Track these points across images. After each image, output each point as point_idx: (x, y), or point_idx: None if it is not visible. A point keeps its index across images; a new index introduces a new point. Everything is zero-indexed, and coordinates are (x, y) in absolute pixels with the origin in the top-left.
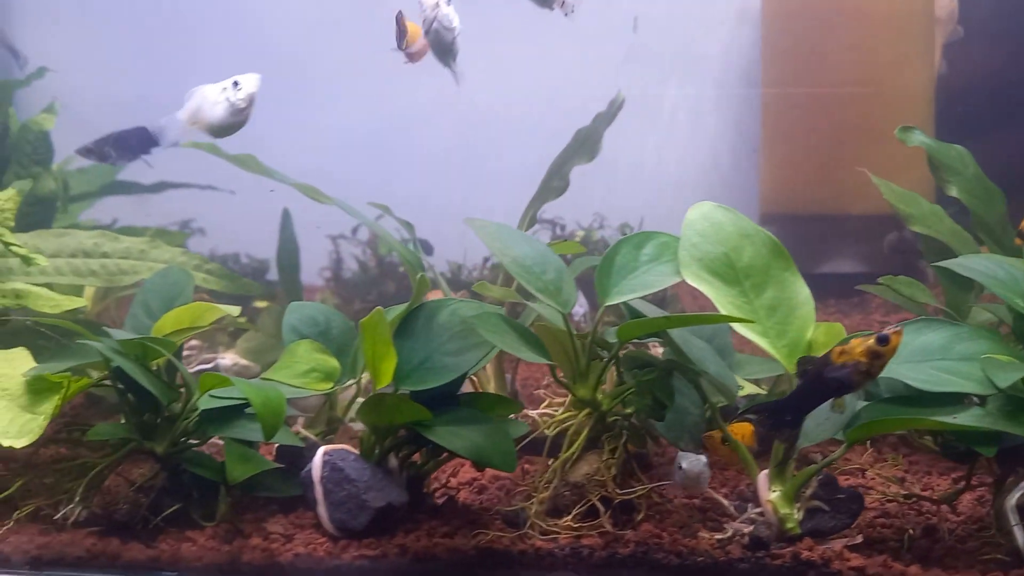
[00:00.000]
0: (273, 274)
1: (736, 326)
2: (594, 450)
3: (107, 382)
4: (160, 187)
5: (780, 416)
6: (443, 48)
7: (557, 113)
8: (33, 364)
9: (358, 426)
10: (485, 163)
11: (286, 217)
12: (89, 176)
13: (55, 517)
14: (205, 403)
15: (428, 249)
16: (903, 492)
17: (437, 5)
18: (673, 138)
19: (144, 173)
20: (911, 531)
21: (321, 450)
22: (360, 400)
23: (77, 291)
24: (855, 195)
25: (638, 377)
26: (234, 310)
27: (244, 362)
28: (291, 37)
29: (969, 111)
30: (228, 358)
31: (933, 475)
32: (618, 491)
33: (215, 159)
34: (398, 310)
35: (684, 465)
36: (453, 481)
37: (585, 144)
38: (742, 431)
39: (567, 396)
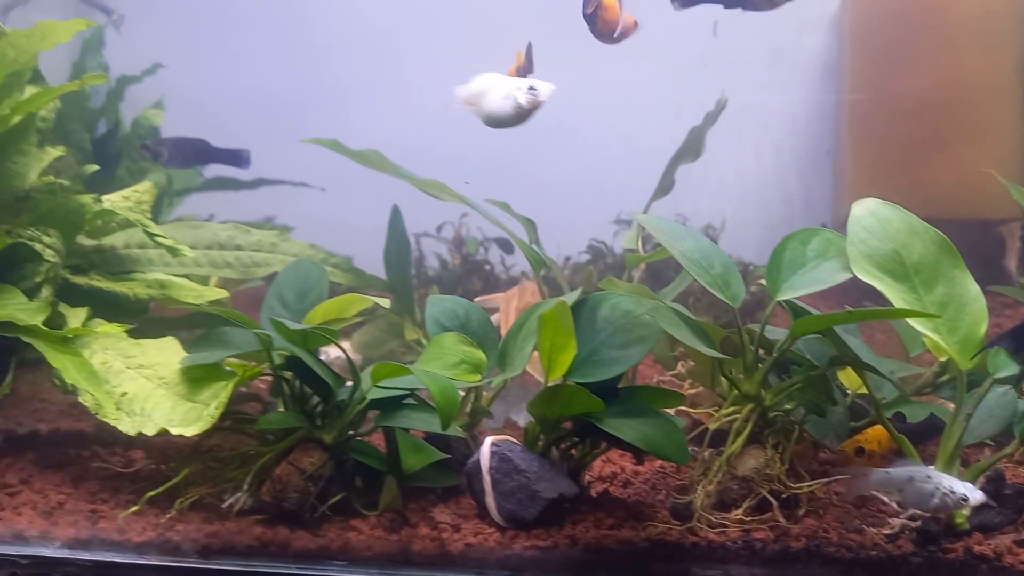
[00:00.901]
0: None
1: (910, 321)
2: (755, 445)
3: (268, 371)
4: (258, 183)
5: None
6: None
7: (635, 117)
8: (183, 353)
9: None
10: (560, 167)
11: (396, 214)
12: (187, 172)
13: (223, 506)
14: (376, 393)
15: (508, 248)
16: None
17: None
18: (748, 141)
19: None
20: None
21: (488, 440)
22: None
23: (203, 283)
24: (947, 199)
25: (802, 373)
26: (384, 302)
27: (352, 355)
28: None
29: None
30: (334, 351)
31: None
32: (791, 485)
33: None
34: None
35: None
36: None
37: (691, 144)
38: (878, 435)
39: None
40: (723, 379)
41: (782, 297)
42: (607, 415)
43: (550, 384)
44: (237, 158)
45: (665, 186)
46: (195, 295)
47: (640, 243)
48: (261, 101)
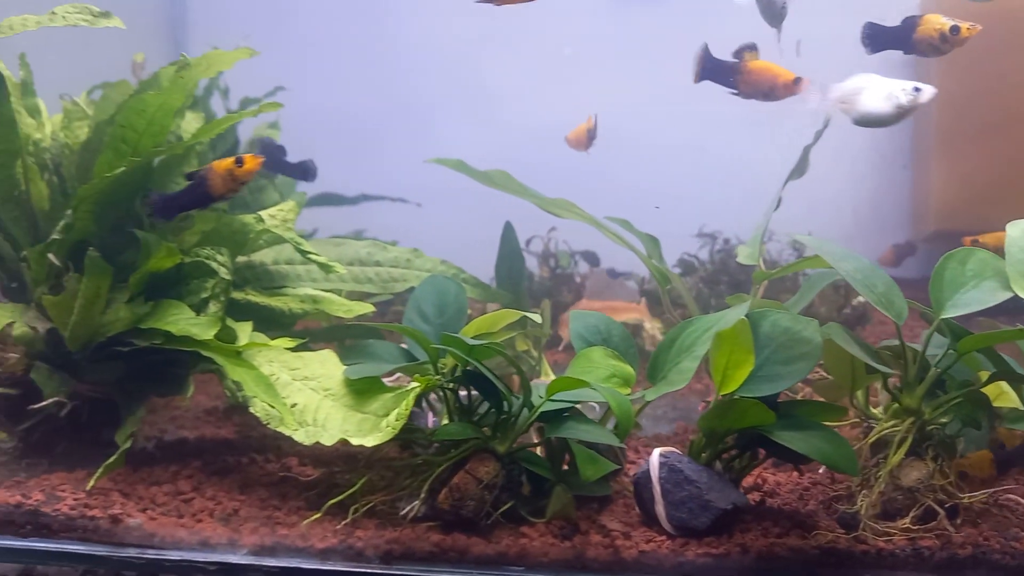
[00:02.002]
0: None
1: None
2: (913, 457)
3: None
4: (360, 199)
5: None
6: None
7: (712, 130)
8: (341, 365)
9: None
10: (629, 179)
11: (508, 229)
12: (289, 185)
13: (401, 514)
14: (547, 405)
15: (594, 261)
16: None
17: None
18: (825, 154)
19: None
20: None
21: (657, 451)
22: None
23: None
24: None
25: (956, 388)
26: (536, 317)
27: None
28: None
29: None
30: None
31: None
32: (959, 495)
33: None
34: (710, 321)
35: None
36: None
37: (802, 162)
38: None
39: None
40: (860, 394)
41: (946, 315)
42: (776, 428)
43: (722, 399)
44: (304, 171)
45: (775, 201)
46: (345, 309)
47: (761, 260)
48: (343, 119)
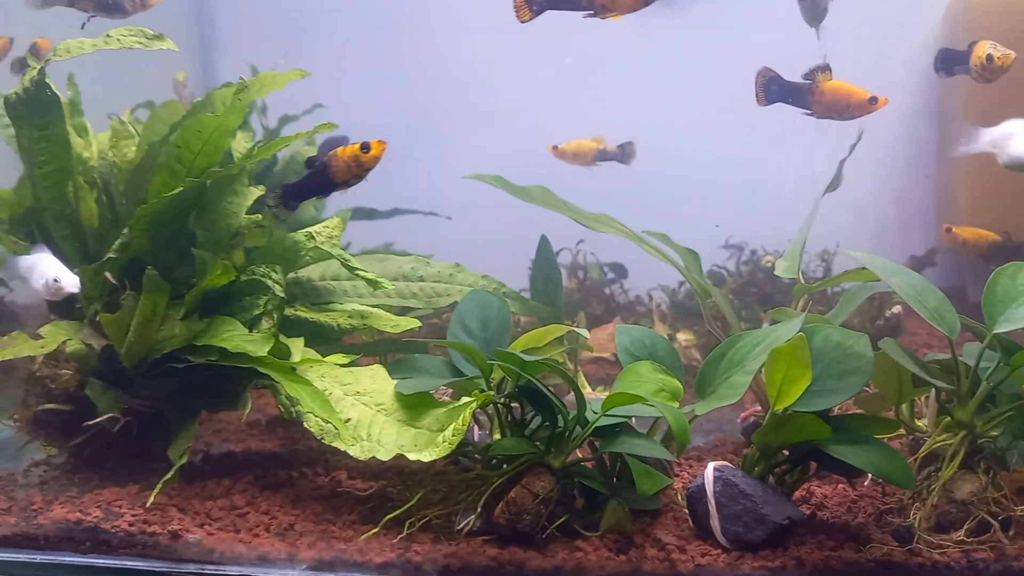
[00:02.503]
0: None
1: None
2: (965, 470)
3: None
4: (393, 213)
5: None
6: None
7: (736, 141)
8: (391, 380)
9: None
10: (653, 191)
11: (544, 243)
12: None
13: (458, 528)
14: (603, 420)
15: (622, 273)
16: None
17: None
18: (848, 164)
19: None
20: None
21: (711, 465)
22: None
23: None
24: None
25: (1012, 402)
26: (583, 332)
27: None
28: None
29: None
30: None
31: None
32: (1015, 508)
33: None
34: (759, 336)
35: None
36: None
37: (835, 176)
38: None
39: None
40: (904, 407)
41: (999, 330)
42: (831, 442)
43: (777, 414)
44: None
45: (812, 214)
46: (392, 325)
47: (800, 273)
48: (368, 134)
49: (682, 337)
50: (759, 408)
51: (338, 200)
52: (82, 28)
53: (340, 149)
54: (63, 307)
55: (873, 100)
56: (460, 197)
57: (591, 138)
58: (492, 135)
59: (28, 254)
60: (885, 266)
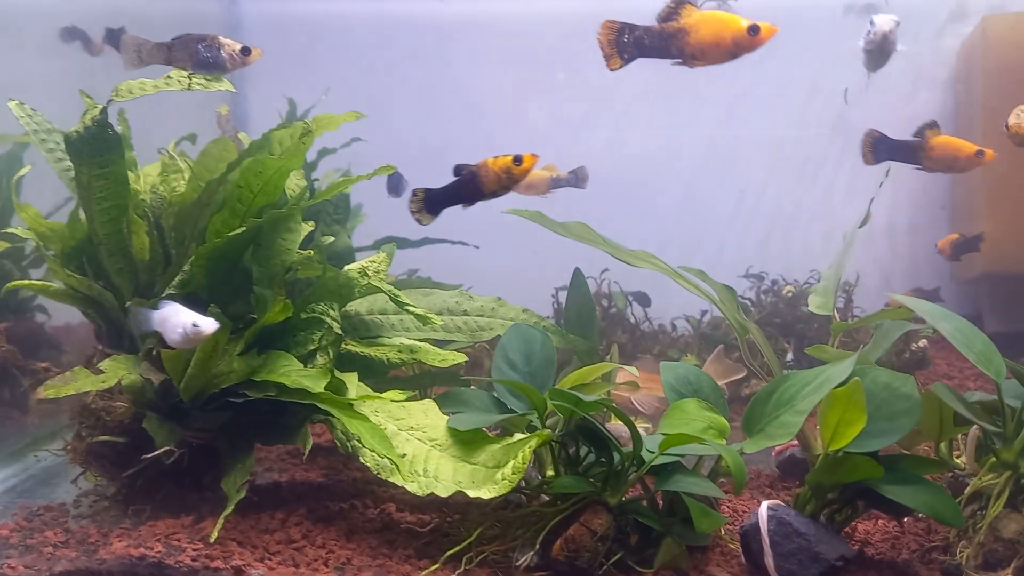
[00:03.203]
0: None
1: None
2: (1010, 509)
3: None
4: (424, 242)
5: None
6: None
7: (758, 176)
8: (442, 415)
9: None
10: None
11: (578, 275)
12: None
13: (517, 563)
14: (663, 459)
15: (645, 302)
16: None
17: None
18: (864, 195)
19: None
20: None
21: (764, 504)
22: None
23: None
24: None
25: None
26: (632, 370)
27: None
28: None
29: None
30: None
31: None
32: None
33: None
34: (808, 377)
35: None
36: None
37: (866, 214)
38: None
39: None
40: (943, 446)
41: None
42: (883, 482)
43: (831, 454)
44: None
45: (846, 250)
46: (440, 359)
47: (835, 310)
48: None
49: (711, 369)
50: (795, 442)
51: (369, 228)
52: (189, 88)
53: (491, 160)
54: (112, 338)
55: (980, 153)
56: (474, 225)
57: (543, 167)
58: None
59: (157, 308)
60: (932, 311)
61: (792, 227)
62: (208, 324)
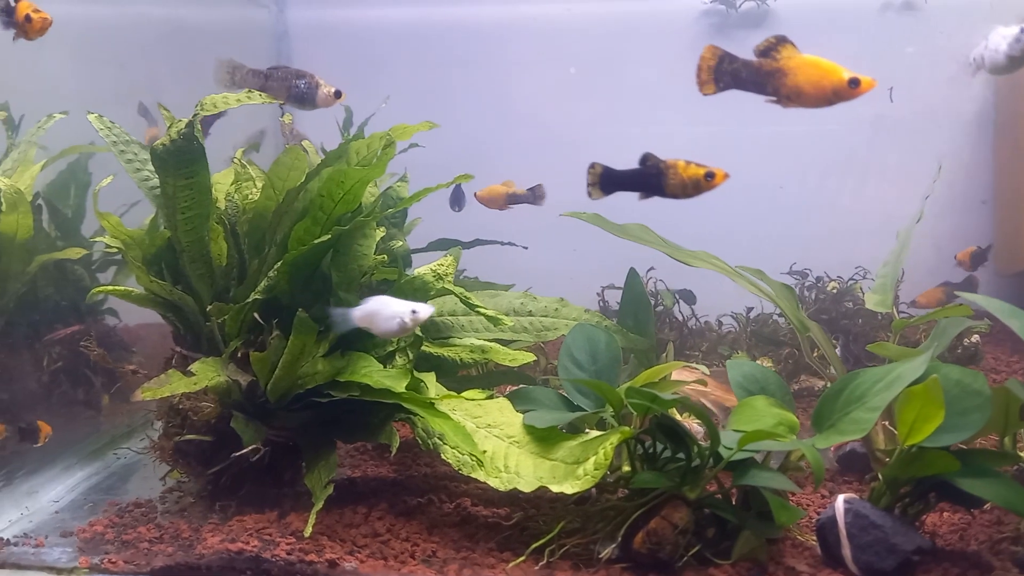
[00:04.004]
0: None
1: None
2: None
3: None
4: (475, 243)
5: None
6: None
7: (798, 173)
8: (516, 413)
9: None
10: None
11: (633, 276)
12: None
13: (599, 556)
14: (739, 455)
15: (691, 299)
16: None
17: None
18: (905, 190)
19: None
20: None
21: (840, 497)
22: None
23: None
24: None
25: None
26: (704, 369)
27: None
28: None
29: None
30: None
31: None
32: None
33: None
34: (878, 374)
35: None
36: None
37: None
38: None
39: None
40: (1007, 439)
41: None
42: (958, 476)
43: (906, 449)
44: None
45: (902, 248)
46: (510, 359)
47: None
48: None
49: (762, 364)
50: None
51: (425, 231)
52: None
53: (683, 164)
54: (190, 340)
55: (710, 176)
56: (513, 224)
57: (502, 183)
58: (558, 163)
59: (358, 306)
60: (1003, 308)
61: (831, 223)
62: (425, 309)
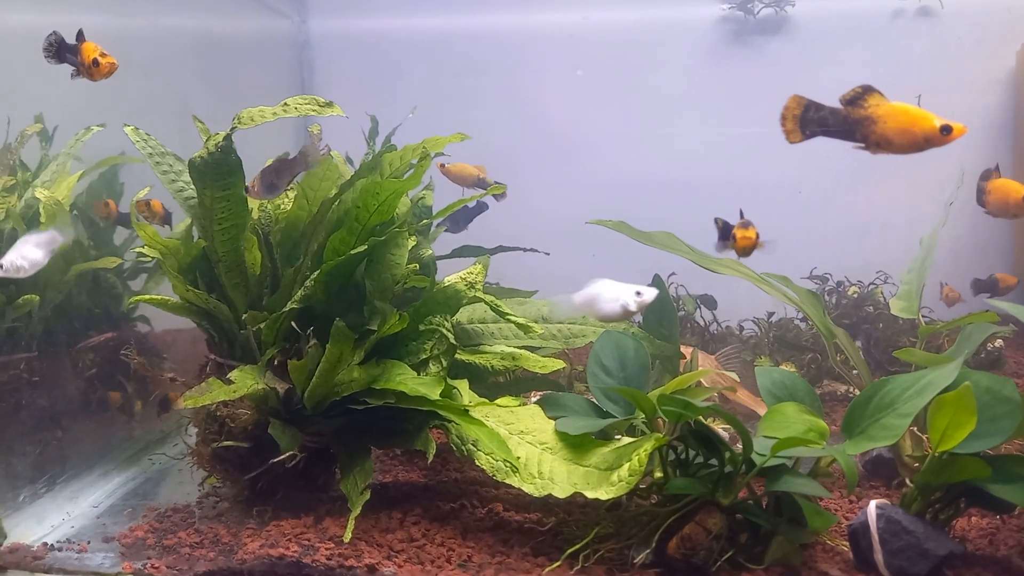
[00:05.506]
0: None
1: None
2: None
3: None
4: (497, 250)
5: None
6: None
7: (819, 178)
8: (547, 419)
9: None
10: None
11: (657, 281)
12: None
13: (634, 560)
14: (772, 461)
15: (712, 304)
16: None
17: None
18: (920, 195)
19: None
20: None
21: (873, 503)
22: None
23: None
24: None
25: None
26: (734, 376)
27: None
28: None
29: None
30: None
31: None
32: None
33: None
34: (908, 381)
35: None
36: None
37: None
38: None
39: None
40: None
41: None
42: (989, 481)
43: (937, 456)
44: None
45: (927, 254)
46: (540, 366)
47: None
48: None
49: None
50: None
51: (450, 238)
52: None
53: (904, 110)
54: (224, 348)
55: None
56: (531, 228)
57: (474, 166)
58: (565, 174)
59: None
60: None
61: (850, 226)
62: (650, 292)
